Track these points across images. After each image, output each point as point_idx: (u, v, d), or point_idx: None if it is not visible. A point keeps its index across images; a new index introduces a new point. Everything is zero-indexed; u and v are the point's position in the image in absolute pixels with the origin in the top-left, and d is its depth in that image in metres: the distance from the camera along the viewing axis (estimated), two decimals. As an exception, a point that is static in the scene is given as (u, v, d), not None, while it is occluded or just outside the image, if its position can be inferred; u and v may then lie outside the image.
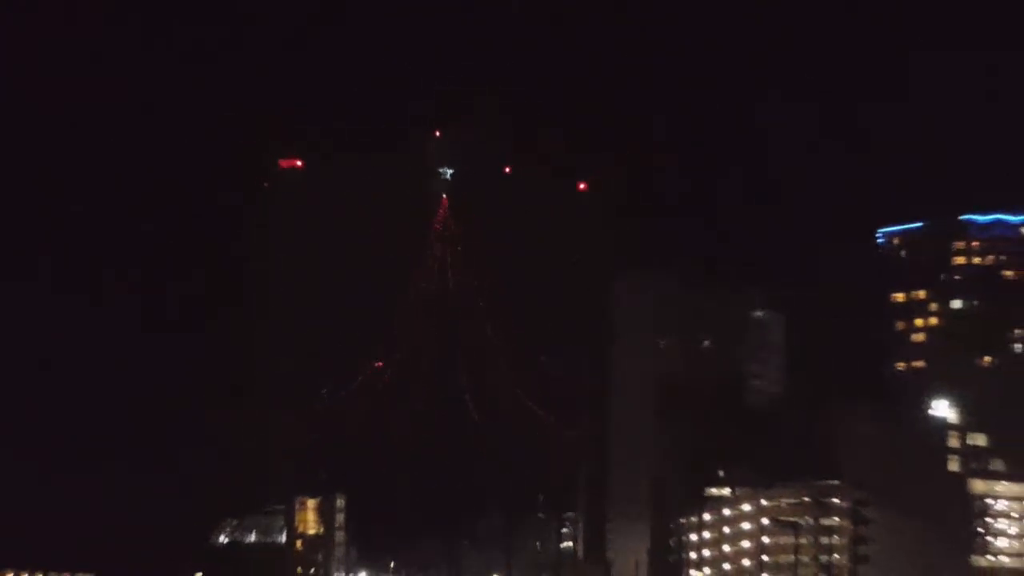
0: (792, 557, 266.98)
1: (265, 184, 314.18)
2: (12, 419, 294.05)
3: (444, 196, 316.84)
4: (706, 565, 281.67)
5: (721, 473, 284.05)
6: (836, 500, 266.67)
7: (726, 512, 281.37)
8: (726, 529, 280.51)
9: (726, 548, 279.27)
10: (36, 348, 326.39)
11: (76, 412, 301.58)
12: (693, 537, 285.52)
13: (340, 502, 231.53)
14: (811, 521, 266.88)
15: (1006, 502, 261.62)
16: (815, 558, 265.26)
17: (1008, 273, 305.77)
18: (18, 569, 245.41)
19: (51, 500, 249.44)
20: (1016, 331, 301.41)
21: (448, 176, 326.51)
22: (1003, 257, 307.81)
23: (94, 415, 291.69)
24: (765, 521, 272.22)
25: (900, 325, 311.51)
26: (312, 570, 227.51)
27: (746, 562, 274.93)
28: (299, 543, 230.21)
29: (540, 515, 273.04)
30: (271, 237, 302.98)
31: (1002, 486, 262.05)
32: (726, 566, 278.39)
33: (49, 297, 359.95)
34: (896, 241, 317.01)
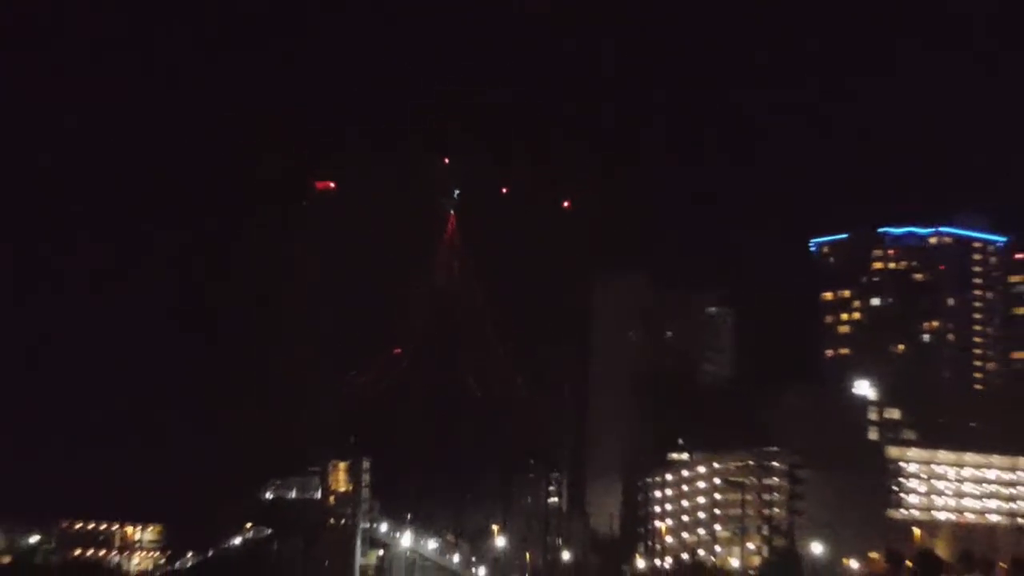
0: (739, 510, 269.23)
1: (304, 202, 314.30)
2: (91, 387, 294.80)
3: (452, 212, 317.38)
4: (668, 517, 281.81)
5: (680, 442, 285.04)
6: (775, 464, 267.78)
7: (684, 474, 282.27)
8: (684, 487, 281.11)
9: (684, 503, 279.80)
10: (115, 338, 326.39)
11: (156, 386, 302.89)
12: (657, 494, 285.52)
13: (365, 464, 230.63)
14: (755, 481, 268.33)
15: (916, 466, 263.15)
16: (758, 511, 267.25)
17: (918, 276, 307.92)
18: (97, 520, 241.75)
19: (127, 459, 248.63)
20: (924, 324, 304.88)
21: (455, 196, 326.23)
22: (914, 263, 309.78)
23: (171, 391, 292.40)
24: (717, 481, 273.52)
25: (828, 319, 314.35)
26: (342, 520, 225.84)
27: (701, 515, 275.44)
28: (331, 498, 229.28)
29: (531, 476, 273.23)
30: (310, 247, 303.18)
31: (912, 452, 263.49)
32: (684, 518, 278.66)
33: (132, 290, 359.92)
34: (825, 249, 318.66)
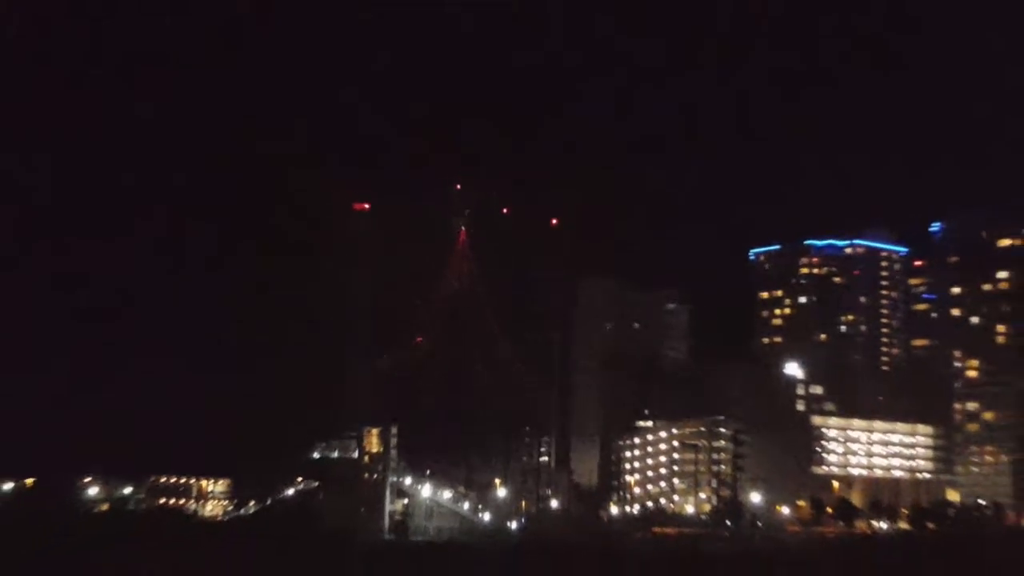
0: (693, 467, 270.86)
1: (346, 220, 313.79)
2: (178, 369, 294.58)
3: (463, 229, 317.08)
4: (636, 472, 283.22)
5: (645, 412, 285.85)
6: (722, 430, 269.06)
7: (649, 438, 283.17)
8: (649, 449, 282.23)
9: (649, 461, 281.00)
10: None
11: (227, 368, 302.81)
12: (627, 454, 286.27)
13: (394, 430, 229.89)
14: (705, 444, 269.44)
15: (834, 431, 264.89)
16: (708, 468, 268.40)
17: (836, 279, 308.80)
18: (179, 474, 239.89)
19: (204, 425, 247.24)
20: (841, 318, 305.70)
21: (464, 215, 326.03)
22: (833, 269, 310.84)
23: (238, 372, 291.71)
24: (675, 444, 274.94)
25: (764, 313, 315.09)
26: (375, 475, 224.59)
27: (662, 471, 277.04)
28: (366, 458, 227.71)
29: (526, 439, 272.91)
30: (350, 260, 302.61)
31: (832, 420, 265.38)
32: (649, 473, 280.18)
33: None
34: (762, 258, 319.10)
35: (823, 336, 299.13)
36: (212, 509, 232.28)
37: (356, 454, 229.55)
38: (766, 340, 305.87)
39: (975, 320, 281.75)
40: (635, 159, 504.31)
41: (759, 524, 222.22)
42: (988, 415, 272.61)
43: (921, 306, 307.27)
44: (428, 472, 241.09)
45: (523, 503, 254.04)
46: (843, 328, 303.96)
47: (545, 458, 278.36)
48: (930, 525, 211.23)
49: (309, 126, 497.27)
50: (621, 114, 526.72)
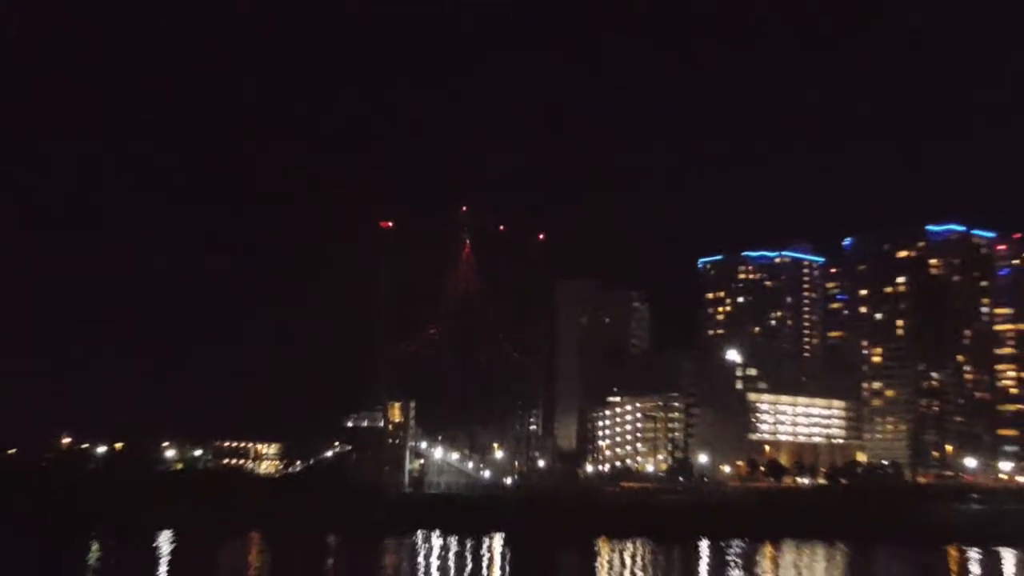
0: (652, 434, 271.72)
1: (373, 236, 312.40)
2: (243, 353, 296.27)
3: (467, 242, 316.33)
4: (607, 438, 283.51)
5: (615, 389, 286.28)
6: (676, 404, 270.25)
7: (617, 410, 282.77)
8: (617, 419, 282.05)
9: (617, 429, 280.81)
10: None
11: (278, 353, 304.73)
12: (600, 424, 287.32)
13: (412, 404, 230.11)
14: (663, 415, 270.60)
15: (766, 405, 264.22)
16: (665, 435, 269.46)
17: (768, 283, 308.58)
18: (239, 439, 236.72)
19: (261, 397, 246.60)
20: (771, 314, 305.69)
21: (468, 232, 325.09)
22: (764, 275, 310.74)
23: (286, 356, 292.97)
24: (638, 415, 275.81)
25: (710, 311, 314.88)
26: (396, 440, 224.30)
27: (628, 437, 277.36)
28: (390, 426, 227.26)
29: (519, 412, 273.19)
30: (377, 268, 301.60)
31: (764, 397, 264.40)
32: (617, 439, 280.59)
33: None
34: (708, 266, 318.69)
35: (757, 329, 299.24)
36: (266, 468, 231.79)
37: (381, 423, 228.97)
38: (711, 332, 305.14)
39: (879, 316, 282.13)
40: (609, 185, 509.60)
41: (706, 480, 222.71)
42: (889, 392, 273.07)
43: (835, 305, 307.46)
44: (439, 438, 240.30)
45: (516, 463, 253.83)
46: (773, 323, 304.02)
47: (534, 427, 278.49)
48: (843, 480, 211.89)
49: (359, 169, 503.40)
50: (595, 149, 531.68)
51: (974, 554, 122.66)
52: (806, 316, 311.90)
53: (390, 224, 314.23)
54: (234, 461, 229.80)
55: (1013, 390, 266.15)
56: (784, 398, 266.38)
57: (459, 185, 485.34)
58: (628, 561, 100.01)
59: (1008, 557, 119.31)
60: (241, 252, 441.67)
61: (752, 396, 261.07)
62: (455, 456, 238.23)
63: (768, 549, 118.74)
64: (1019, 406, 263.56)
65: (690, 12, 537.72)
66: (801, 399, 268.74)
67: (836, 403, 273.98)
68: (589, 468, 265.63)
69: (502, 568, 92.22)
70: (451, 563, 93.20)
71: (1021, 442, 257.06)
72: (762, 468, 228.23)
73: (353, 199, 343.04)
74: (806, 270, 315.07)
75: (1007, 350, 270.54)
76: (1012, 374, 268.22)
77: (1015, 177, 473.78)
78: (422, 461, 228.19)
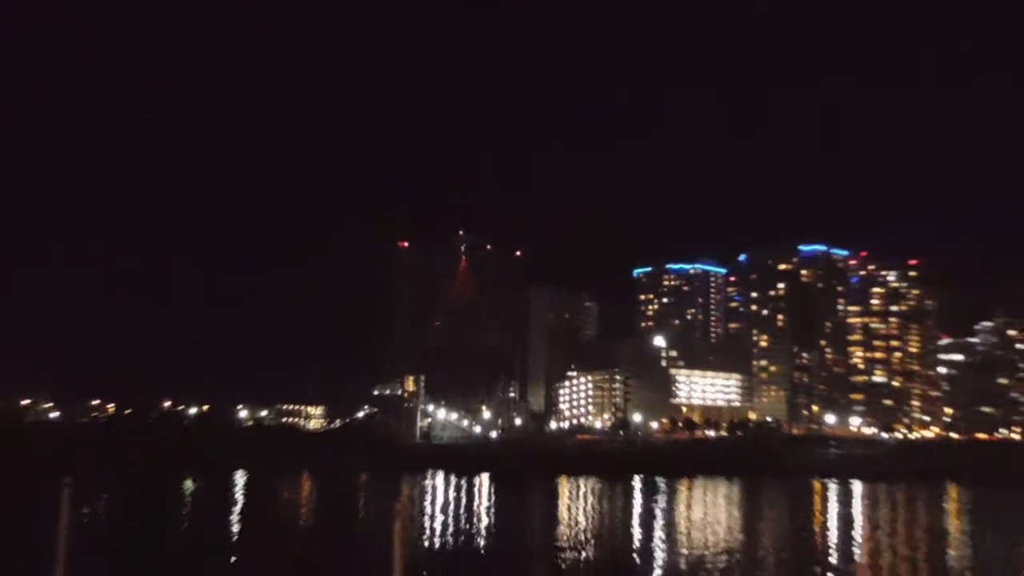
0: (601, 400, 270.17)
1: (396, 253, 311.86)
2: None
3: (463, 258, 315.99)
4: (566, 403, 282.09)
5: (572, 367, 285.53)
6: (617, 377, 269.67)
7: (574, 382, 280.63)
8: (574, 389, 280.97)
9: (574, 396, 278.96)
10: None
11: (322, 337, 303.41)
12: (562, 392, 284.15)
13: (422, 377, 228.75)
14: (608, 386, 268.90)
15: (683, 378, 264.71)
16: (610, 400, 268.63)
17: (684, 288, 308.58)
18: (294, 402, 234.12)
19: (313, 370, 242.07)
20: (687, 311, 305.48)
21: (464, 250, 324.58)
22: (682, 282, 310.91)
23: (326, 340, 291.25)
24: (590, 386, 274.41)
25: (642, 309, 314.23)
26: (410, 404, 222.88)
27: (582, 402, 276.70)
28: (406, 394, 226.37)
29: (501, 382, 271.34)
30: (395, 278, 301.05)
31: (682, 372, 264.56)
32: (574, 403, 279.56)
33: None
34: (641, 275, 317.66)
35: (676, 322, 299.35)
36: (313, 425, 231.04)
37: (399, 392, 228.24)
38: (643, 324, 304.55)
39: (764, 312, 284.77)
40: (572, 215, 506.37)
41: (639, 433, 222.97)
42: (772, 368, 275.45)
43: (733, 304, 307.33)
44: (442, 402, 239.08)
45: (499, 421, 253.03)
46: (688, 317, 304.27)
47: (512, 394, 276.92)
48: (739, 433, 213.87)
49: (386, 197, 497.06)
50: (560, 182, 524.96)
51: (832, 484, 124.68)
52: (712, 312, 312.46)
53: (405, 244, 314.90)
54: (290, 420, 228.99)
55: (860, 366, 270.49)
56: (696, 372, 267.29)
57: (457, 211, 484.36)
58: (581, 491, 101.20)
59: (856, 486, 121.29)
60: (293, 265, 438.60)
61: (673, 371, 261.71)
62: (454, 416, 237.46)
63: (684, 483, 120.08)
64: (864, 378, 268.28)
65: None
66: (709, 373, 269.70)
67: (734, 376, 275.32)
68: (553, 425, 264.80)
69: (488, 496, 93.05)
70: (451, 494, 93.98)
71: (866, 404, 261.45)
72: (680, 424, 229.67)
73: (382, 230, 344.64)
74: (712, 279, 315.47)
75: (856, 337, 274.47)
76: (859, 355, 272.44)
77: (864, 208, 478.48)
78: (429, 420, 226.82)
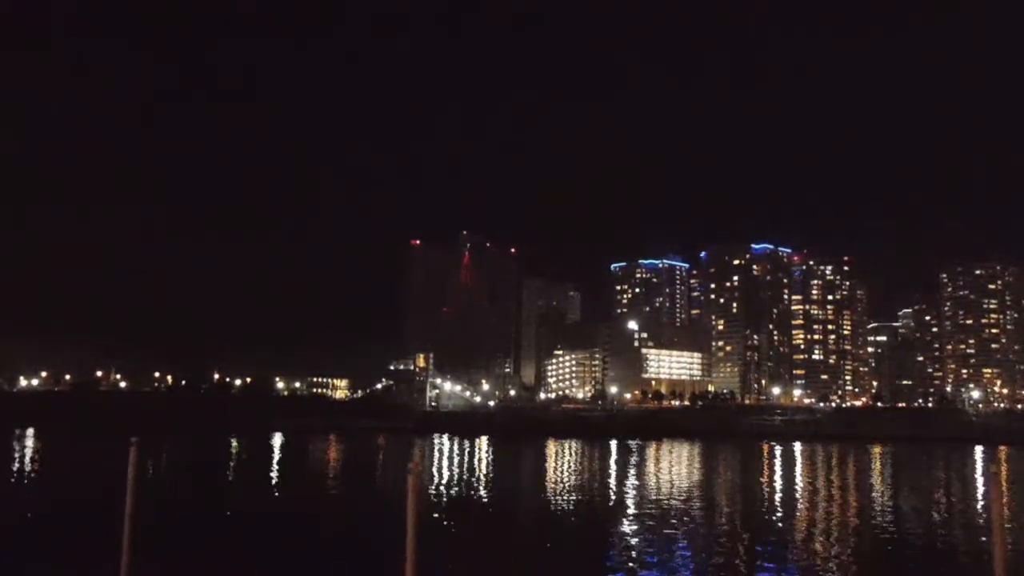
0: (584, 375, 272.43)
1: (408, 252, 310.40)
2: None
3: (467, 255, 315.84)
4: (554, 377, 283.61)
5: (559, 346, 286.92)
6: (597, 356, 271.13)
7: (561, 360, 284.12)
8: (560, 365, 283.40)
9: (561, 371, 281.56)
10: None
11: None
12: (550, 368, 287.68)
13: (431, 355, 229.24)
14: (588, 362, 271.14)
15: (653, 356, 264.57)
16: (591, 375, 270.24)
17: (654, 280, 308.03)
18: (324, 376, 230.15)
19: (339, 351, 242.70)
20: (656, 300, 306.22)
21: (467, 247, 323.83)
22: (652, 275, 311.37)
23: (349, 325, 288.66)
24: (574, 362, 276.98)
25: (618, 298, 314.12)
26: (421, 377, 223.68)
27: (567, 376, 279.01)
28: (417, 369, 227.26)
29: (499, 359, 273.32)
30: (409, 272, 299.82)
31: (652, 351, 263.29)
32: (561, 377, 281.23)
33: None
34: (617, 269, 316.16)
35: (647, 308, 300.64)
36: (340, 394, 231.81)
37: (412, 367, 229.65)
38: (619, 311, 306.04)
39: (722, 300, 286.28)
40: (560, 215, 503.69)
41: (615, 403, 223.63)
42: (728, 348, 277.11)
43: (695, 294, 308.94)
44: (448, 376, 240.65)
45: (497, 392, 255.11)
46: (657, 304, 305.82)
47: (508, 369, 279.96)
48: (700, 403, 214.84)
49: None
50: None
51: (777, 446, 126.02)
52: (678, 300, 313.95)
53: (418, 242, 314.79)
54: (319, 390, 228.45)
55: (802, 346, 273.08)
56: (663, 351, 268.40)
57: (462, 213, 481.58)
58: (566, 452, 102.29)
59: (798, 447, 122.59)
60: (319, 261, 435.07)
61: (644, 350, 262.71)
62: (458, 387, 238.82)
63: (654, 445, 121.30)
64: (805, 356, 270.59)
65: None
66: (674, 352, 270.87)
67: (696, 354, 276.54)
68: (542, 396, 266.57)
69: (487, 455, 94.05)
70: (455, 453, 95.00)
71: (805, 378, 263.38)
72: (650, 395, 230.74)
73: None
74: (678, 272, 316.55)
75: (798, 322, 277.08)
76: (801, 336, 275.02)
77: (807, 210, 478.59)
78: (437, 391, 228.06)
